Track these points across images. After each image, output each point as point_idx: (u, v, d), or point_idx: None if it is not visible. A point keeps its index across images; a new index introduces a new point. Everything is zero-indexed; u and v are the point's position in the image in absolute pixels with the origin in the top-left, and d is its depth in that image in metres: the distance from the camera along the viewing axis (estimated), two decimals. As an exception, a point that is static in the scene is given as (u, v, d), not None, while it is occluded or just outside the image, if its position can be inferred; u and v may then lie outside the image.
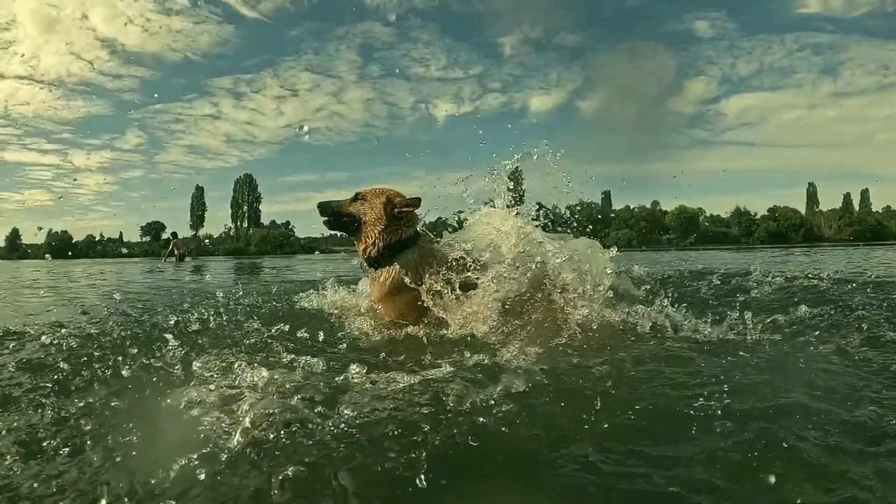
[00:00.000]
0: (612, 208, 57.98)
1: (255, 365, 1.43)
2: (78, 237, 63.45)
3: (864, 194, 60.66)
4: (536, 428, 1.17)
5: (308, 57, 79.37)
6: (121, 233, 66.13)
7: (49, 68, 71.55)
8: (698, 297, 3.01)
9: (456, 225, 2.69)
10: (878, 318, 2.21)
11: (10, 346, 2.00)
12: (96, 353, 1.77)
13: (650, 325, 2.11)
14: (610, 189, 56.24)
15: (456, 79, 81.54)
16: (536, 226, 2.41)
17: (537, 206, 2.52)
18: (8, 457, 1.08)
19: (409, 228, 2.40)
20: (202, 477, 0.98)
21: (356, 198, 2.47)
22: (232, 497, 0.94)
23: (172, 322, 2.30)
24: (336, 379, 1.41)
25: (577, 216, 2.88)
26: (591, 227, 2.92)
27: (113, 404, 1.33)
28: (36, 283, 7.23)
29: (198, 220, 62.99)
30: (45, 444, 1.13)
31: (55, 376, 1.57)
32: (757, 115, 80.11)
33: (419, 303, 2.22)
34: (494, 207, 2.53)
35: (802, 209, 59.08)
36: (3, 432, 1.20)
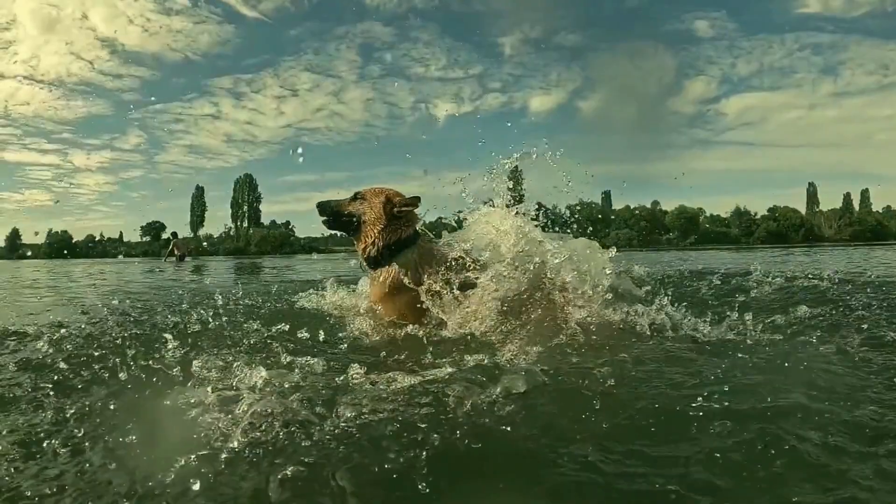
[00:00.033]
0: (613, 208, 58.06)
1: (255, 365, 1.42)
2: (78, 237, 63.50)
3: (864, 194, 60.63)
4: (536, 428, 1.17)
5: (308, 57, 79.32)
6: (121, 232, 66.13)
7: (49, 68, 71.50)
8: (698, 297, 3.01)
9: (455, 224, 2.68)
10: (878, 318, 2.21)
11: (10, 346, 2.00)
12: (96, 354, 1.77)
13: (650, 324, 2.10)
14: (610, 189, 56.55)
15: (456, 79, 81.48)
16: (536, 226, 2.40)
17: (537, 206, 2.52)
18: (8, 457, 1.08)
19: (408, 228, 2.40)
20: (201, 477, 0.97)
21: (355, 197, 2.46)
22: (231, 497, 0.94)
23: (172, 322, 2.30)
24: (336, 379, 1.41)
25: (577, 216, 2.88)
26: (591, 227, 2.91)
27: (112, 404, 1.33)
28: (36, 283, 7.23)
29: (198, 220, 62.98)
30: (45, 444, 1.13)
31: (55, 376, 1.57)
32: (757, 114, 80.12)
33: (419, 303, 2.22)
34: (494, 207, 2.52)
35: (802, 209, 59.13)
36: (3, 432, 1.20)
